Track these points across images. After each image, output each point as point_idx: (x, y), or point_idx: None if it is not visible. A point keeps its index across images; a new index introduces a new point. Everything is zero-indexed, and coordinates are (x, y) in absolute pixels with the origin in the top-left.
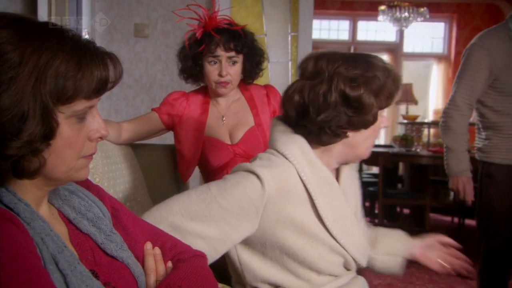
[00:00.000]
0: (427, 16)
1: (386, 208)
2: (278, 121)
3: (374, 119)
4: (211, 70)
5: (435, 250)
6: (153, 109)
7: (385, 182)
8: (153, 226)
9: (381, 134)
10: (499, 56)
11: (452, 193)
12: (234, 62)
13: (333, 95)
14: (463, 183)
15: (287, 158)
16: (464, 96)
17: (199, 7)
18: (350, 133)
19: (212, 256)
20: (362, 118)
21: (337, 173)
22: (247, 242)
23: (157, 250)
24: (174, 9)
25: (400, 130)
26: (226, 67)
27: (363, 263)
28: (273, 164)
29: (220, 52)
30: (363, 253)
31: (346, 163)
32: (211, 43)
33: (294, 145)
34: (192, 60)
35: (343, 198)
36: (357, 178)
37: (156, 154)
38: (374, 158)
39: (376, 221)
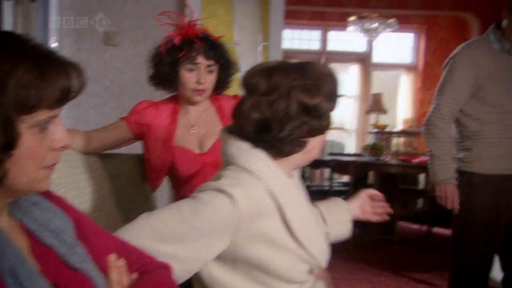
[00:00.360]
0: (396, 27)
1: None
2: (231, 135)
3: (330, 122)
4: (189, 77)
5: (368, 205)
6: (121, 118)
7: (356, 190)
8: (118, 237)
9: (351, 143)
10: (484, 66)
11: (419, 201)
12: (211, 71)
13: (293, 108)
14: (451, 191)
15: (253, 174)
16: (449, 105)
17: (176, 14)
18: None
19: (185, 276)
20: (321, 125)
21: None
22: (217, 257)
23: (122, 262)
24: (145, 18)
25: (370, 139)
26: (204, 75)
27: (324, 266)
28: (242, 182)
29: (201, 59)
30: (325, 257)
31: (299, 167)
32: (191, 50)
33: (257, 160)
34: (169, 66)
35: (306, 204)
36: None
37: (125, 163)
38: (344, 167)
39: None
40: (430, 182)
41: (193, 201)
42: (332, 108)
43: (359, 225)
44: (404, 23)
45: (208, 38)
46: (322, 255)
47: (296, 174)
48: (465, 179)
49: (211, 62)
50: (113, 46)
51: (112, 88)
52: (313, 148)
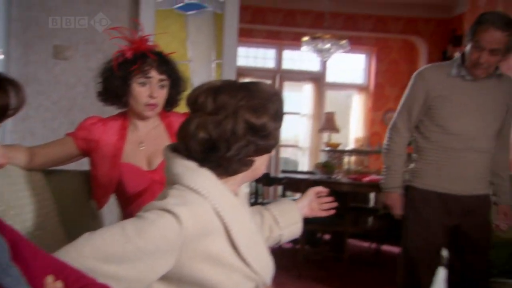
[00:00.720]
0: (348, 48)
1: (308, 233)
2: (175, 154)
3: (276, 141)
4: (141, 91)
5: (315, 202)
6: (67, 134)
7: None
8: (56, 258)
9: (305, 160)
10: (434, 88)
11: (370, 219)
12: (163, 86)
13: (241, 128)
14: (392, 199)
15: (200, 193)
16: (403, 120)
17: (128, 30)
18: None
19: None
20: (268, 144)
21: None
22: (163, 277)
23: (59, 284)
24: (96, 32)
25: (322, 157)
26: (156, 89)
27: (269, 282)
28: (188, 201)
29: (153, 73)
30: (270, 273)
31: (245, 183)
32: (144, 63)
33: (203, 179)
34: (121, 80)
35: (252, 221)
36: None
37: (70, 180)
38: (296, 185)
39: (298, 246)
40: (380, 200)
41: (138, 220)
42: (278, 127)
43: (310, 242)
44: (356, 44)
45: (161, 53)
46: (267, 271)
47: (242, 190)
48: (408, 193)
49: (163, 76)
50: (63, 60)
51: (61, 102)
52: (259, 166)
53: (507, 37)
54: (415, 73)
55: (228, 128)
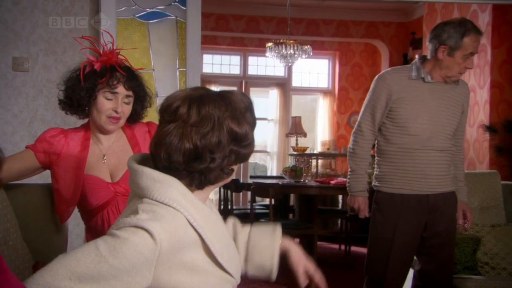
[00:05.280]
0: (311, 53)
1: None
2: (140, 166)
3: (253, 149)
4: (106, 104)
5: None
6: (27, 147)
7: (278, 212)
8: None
9: (273, 165)
10: (395, 90)
11: (339, 222)
12: (128, 103)
13: (225, 138)
14: (358, 202)
15: (171, 206)
16: (366, 123)
17: (97, 41)
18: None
19: None
20: (248, 152)
21: None
22: None
23: None
24: (56, 43)
25: (290, 162)
26: (121, 104)
27: (238, 281)
28: (160, 216)
29: (120, 89)
30: (239, 272)
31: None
32: (112, 78)
33: (173, 191)
34: (86, 91)
35: (224, 226)
36: None
37: (31, 194)
38: (265, 190)
39: None
40: (348, 202)
41: (111, 239)
42: (253, 135)
43: None
44: (319, 49)
45: (130, 69)
46: (238, 271)
47: (210, 196)
48: (374, 196)
49: (129, 92)
50: (22, 72)
51: (21, 115)
52: (233, 173)
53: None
54: (376, 77)
55: (214, 139)
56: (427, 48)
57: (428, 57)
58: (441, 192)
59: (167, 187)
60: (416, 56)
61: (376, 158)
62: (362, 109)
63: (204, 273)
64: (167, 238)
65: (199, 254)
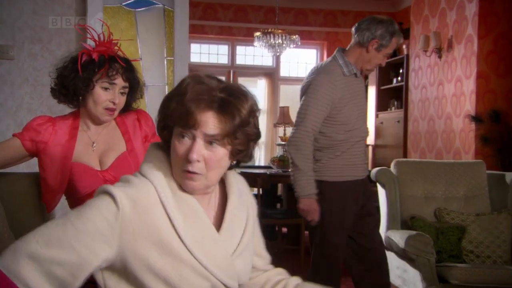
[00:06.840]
0: (299, 43)
1: (267, 227)
2: (154, 146)
3: None
4: (103, 95)
5: None
6: (14, 135)
7: (266, 202)
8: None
9: (262, 155)
10: (339, 89)
11: None
12: (124, 93)
13: (253, 131)
14: (310, 204)
15: (146, 178)
16: (313, 124)
17: (94, 30)
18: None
19: (71, 282)
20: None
21: (224, 201)
22: (112, 268)
23: None
24: (42, 31)
25: (278, 152)
26: (117, 95)
27: (235, 286)
28: (131, 184)
29: (119, 80)
30: (231, 276)
31: None
32: (111, 68)
33: (160, 165)
34: (83, 81)
35: (208, 221)
36: (251, 206)
37: (18, 183)
38: (253, 180)
39: None
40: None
41: (82, 205)
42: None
43: (270, 236)
44: (307, 39)
45: (128, 60)
46: (224, 272)
47: (238, 199)
48: (317, 187)
49: (126, 84)
50: (8, 60)
51: (7, 104)
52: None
53: None
54: (314, 79)
55: (254, 131)
56: (362, 36)
57: (349, 47)
58: (366, 175)
59: (157, 163)
60: (337, 50)
61: (315, 153)
62: (306, 108)
63: (174, 257)
64: (130, 204)
65: (171, 235)
